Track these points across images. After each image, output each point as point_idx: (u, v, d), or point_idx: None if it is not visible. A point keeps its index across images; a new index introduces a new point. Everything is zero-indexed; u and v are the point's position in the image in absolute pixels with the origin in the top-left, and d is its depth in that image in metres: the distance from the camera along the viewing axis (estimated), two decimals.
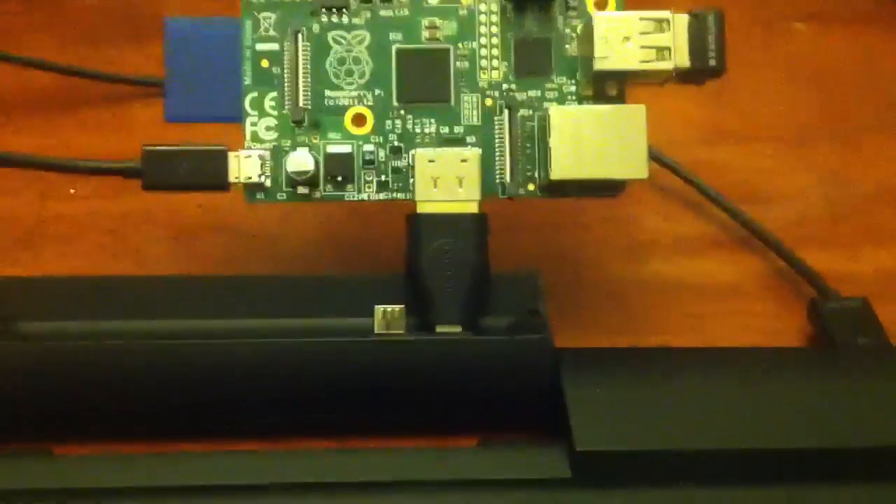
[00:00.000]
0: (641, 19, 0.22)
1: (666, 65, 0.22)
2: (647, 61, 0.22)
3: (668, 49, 0.22)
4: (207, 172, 0.22)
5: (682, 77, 0.22)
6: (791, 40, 0.35)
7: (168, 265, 0.26)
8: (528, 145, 0.23)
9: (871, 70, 0.35)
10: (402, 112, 0.23)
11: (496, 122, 0.23)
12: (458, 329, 0.22)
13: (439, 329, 0.22)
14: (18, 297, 0.22)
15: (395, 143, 0.23)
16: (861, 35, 0.36)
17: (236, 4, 0.35)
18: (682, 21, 0.22)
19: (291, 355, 0.22)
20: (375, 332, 0.22)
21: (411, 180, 0.22)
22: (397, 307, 0.22)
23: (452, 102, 0.23)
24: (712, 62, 0.22)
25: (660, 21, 0.22)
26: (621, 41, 0.22)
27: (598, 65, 0.22)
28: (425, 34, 0.23)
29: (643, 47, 0.22)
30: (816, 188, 0.30)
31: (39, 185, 0.28)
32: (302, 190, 0.22)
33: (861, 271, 0.28)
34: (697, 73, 0.22)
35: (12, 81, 0.31)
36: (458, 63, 0.23)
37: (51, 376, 0.21)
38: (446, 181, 0.22)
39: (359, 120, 0.23)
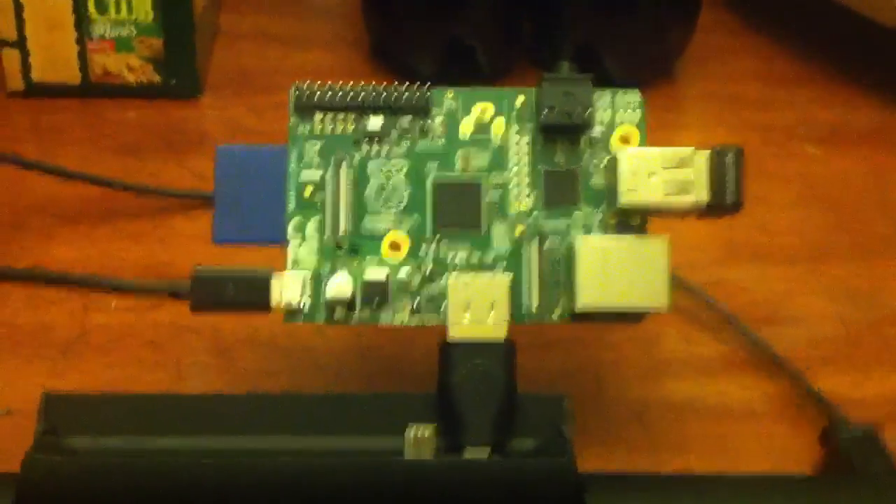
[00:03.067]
0: (665, 156, 0.23)
1: (688, 199, 0.23)
2: (670, 195, 0.23)
3: (691, 185, 0.23)
4: (252, 295, 0.23)
5: (702, 212, 0.23)
6: (804, 162, 0.37)
7: (205, 377, 0.27)
8: (555, 273, 0.24)
9: (883, 190, 0.36)
10: (437, 239, 0.24)
11: (525, 251, 0.24)
12: (486, 451, 0.23)
13: (469, 450, 0.23)
14: (65, 412, 0.23)
15: (429, 269, 0.24)
16: (871, 155, 0.37)
17: (269, 120, 0.36)
18: (703, 158, 0.23)
19: (324, 475, 0.22)
20: (406, 452, 0.23)
21: (443, 305, 0.23)
22: (428, 428, 0.23)
23: (484, 231, 0.24)
24: (731, 199, 0.23)
25: (683, 158, 0.23)
26: (646, 176, 0.23)
27: (624, 198, 0.23)
28: (459, 165, 0.24)
29: (666, 182, 0.23)
30: (831, 309, 0.31)
31: (82, 297, 0.29)
32: (339, 314, 0.23)
33: (874, 394, 0.29)
34: (716, 209, 0.23)
35: (58, 192, 0.32)
36: (489, 193, 0.24)
37: (98, 491, 0.22)
38: (477, 307, 0.23)
39: (395, 246, 0.24)
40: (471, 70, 0.38)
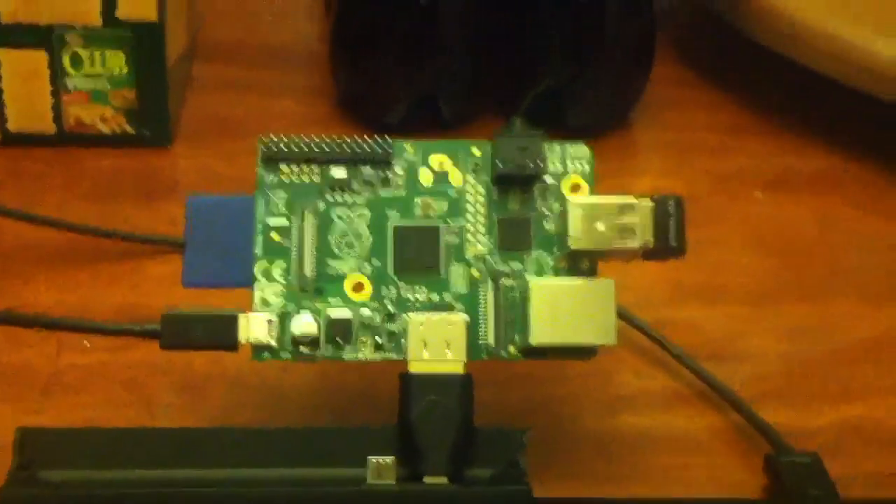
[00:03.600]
0: (610, 204, 0.25)
1: (632, 244, 0.25)
2: (616, 241, 0.25)
3: (635, 231, 0.25)
4: (220, 335, 0.24)
5: (647, 255, 0.25)
6: (753, 207, 0.39)
7: (176, 414, 0.28)
8: (509, 312, 0.25)
9: (827, 233, 0.38)
10: (397, 280, 0.25)
11: (481, 291, 0.25)
12: (444, 480, 0.24)
13: (427, 480, 0.24)
14: (40, 447, 0.24)
15: (390, 309, 0.25)
16: (816, 200, 0.39)
17: (240, 167, 0.38)
18: (646, 206, 0.25)
19: (289, 503, 0.24)
20: (368, 481, 0.24)
21: (404, 342, 0.25)
22: (389, 459, 0.24)
23: (442, 273, 0.25)
24: (673, 243, 0.25)
25: (626, 206, 0.25)
26: (593, 223, 0.25)
27: (573, 244, 0.25)
28: (419, 212, 0.26)
29: (612, 229, 0.25)
30: (776, 347, 0.32)
31: (56, 339, 0.30)
32: (304, 350, 0.25)
33: (817, 426, 0.30)
34: (661, 252, 0.25)
35: (31, 238, 0.33)
36: (447, 238, 0.26)
37: None
38: (435, 344, 0.25)
39: (358, 287, 0.25)
40: (435, 118, 0.39)
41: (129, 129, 0.37)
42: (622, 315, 0.31)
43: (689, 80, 0.45)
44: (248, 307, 0.25)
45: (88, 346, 0.30)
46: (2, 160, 0.37)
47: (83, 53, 0.35)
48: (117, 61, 0.36)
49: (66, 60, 0.36)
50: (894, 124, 0.41)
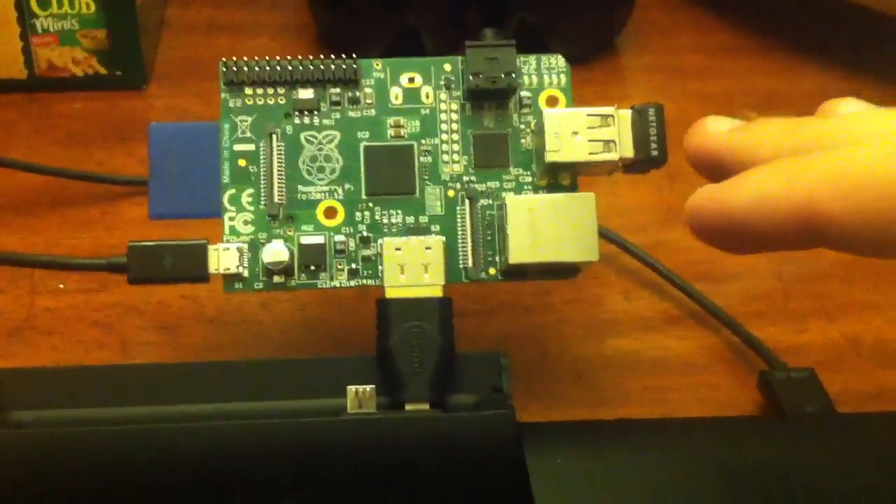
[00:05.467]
0: (588, 115, 0.24)
1: (612, 156, 0.24)
2: (595, 153, 0.24)
3: (614, 142, 0.24)
4: (189, 266, 0.23)
5: (628, 167, 0.24)
6: None
7: (152, 353, 0.28)
8: (488, 232, 0.25)
9: None
10: (371, 204, 0.24)
11: (458, 212, 0.25)
12: (426, 406, 0.23)
13: (408, 407, 0.23)
14: (11, 387, 0.23)
15: (365, 234, 0.24)
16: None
17: (217, 106, 0.37)
18: (625, 116, 0.24)
19: (269, 435, 0.23)
20: (348, 411, 0.23)
21: (380, 268, 0.24)
22: (368, 387, 0.23)
23: (417, 194, 0.25)
24: (654, 152, 0.24)
25: (605, 116, 0.24)
26: (571, 135, 0.24)
27: (550, 157, 0.24)
28: (391, 132, 0.25)
29: (591, 141, 0.24)
30: (767, 266, 0.32)
31: (29, 281, 0.29)
32: (278, 279, 0.24)
33: (810, 343, 0.29)
34: (642, 163, 0.24)
35: (5, 184, 0.33)
36: (421, 158, 0.25)
37: (46, 463, 0.22)
38: (412, 268, 0.24)
39: (330, 213, 0.24)
40: (417, 52, 0.38)
41: (101, 70, 0.36)
42: (611, 238, 0.30)
43: (677, 2, 0.43)
44: (218, 239, 0.24)
45: (62, 287, 0.29)
46: None
47: None
48: (84, 0, 0.35)
49: (32, 1, 0.34)
50: (886, 42, 0.40)
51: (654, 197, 0.33)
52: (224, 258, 0.24)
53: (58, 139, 0.35)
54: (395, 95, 0.25)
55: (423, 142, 0.25)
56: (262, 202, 0.24)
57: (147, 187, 0.31)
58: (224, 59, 0.25)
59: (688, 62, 0.40)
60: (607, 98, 0.38)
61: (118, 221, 0.32)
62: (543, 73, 0.25)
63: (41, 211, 0.32)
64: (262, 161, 0.24)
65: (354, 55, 0.25)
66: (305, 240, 0.24)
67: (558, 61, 0.25)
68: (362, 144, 0.25)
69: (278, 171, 0.24)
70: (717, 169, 0.21)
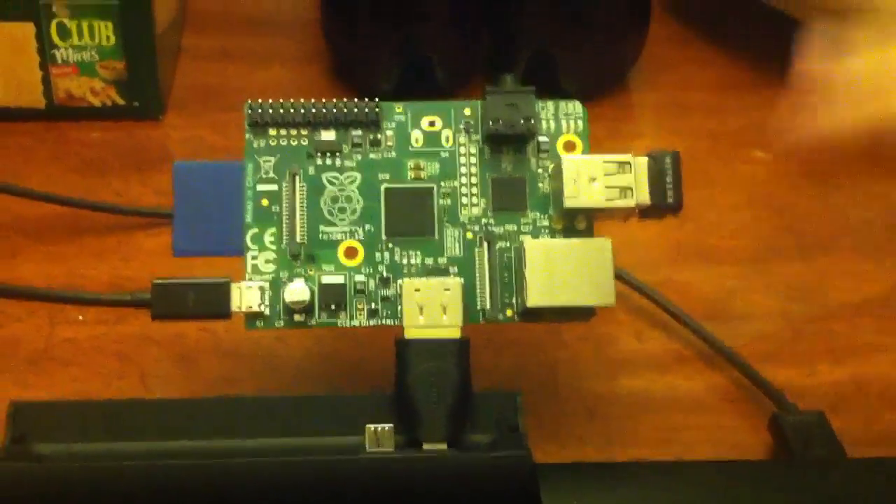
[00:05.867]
0: (605, 162, 0.24)
1: (628, 202, 0.24)
2: (612, 199, 0.24)
3: (630, 189, 0.24)
4: (212, 303, 0.24)
5: (644, 213, 0.25)
6: (752, 166, 0.38)
7: (170, 386, 0.28)
8: (505, 274, 0.25)
9: (826, 192, 0.37)
10: (390, 245, 0.25)
11: (476, 254, 0.25)
12: (443, 446, 0.24)
13: (426, 446, 0.24)
14: (32, 419, 0.24)
15: (384, 274, 0.25)
16: (819, 160, 0.38)
17: (233, 137, 0.37)
18: (641, 163, 0.24)
19: (287, 473, 0.23)
20: (366, 450, 0.24)
21: (399, 308, 0.24)
22: (387, 426, 0.24)
23: (436, 236, 0.25)
24: (670, 200, 0.24)
25: (622, 163, 0.24)
26: (588, 181, 0.24)
27: (568, 203, 0.24)
28: (410, 174, 0.25)
29: (608, 187, 0.24)
30: (776, 306, 0.32)
31: (48, 312, 0.29)
32: (298, 318, 0.24)
33: (818, 384, 0.30)
34: (657, 210, 0.24)
35: (22, 211, 0.33)
36: (440, 200, 0.25)
37: (65, 498, 0.22)
38: (431, 308, 0.24)
39: (350, 253, 0.25)
40: (429, 83, 0.39)
41: (119, 100, 0.36)
42: (621, 277, 0.31)
43: (685, 37, 0.44)
44: (237, 276, 0.24)
45: (81, 319, 0.29)
46: None
47: (70, 24, 0.35)
48: (105, 31, 0.35)
49: (53, 32, 0.35)
50: None
51: (665, 236, 0.34)
52: (246, 297, 0.24)
53: (74, 168, 0.35)
54: (416, 139, 0.25)
55: (443, 184, 0.25)
56: (284, 242, 0.25)
57: (168, 219, 0.31)
58: (249, 101, 0.25)
59: (698, 99, 0.41)
60: (619, 135, 0.38)
61: (136, 252, 0.32)
62: (561, 118, 0.26)
63: (60, 240, 0.32)
64: (284, 201, 0.25)
65: (376, 99, 0.25)
66: (327, 279, 0.24)
67: (576, 107, 0.26)
68: (383, 186, 0.25)
69: (300, 211, 0.25)
70: None
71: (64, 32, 0.35)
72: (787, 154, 0.38)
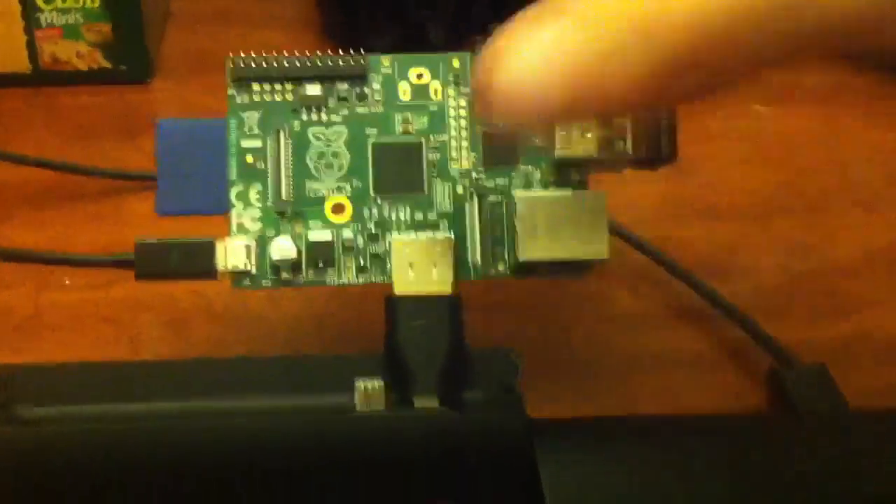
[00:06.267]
0: None
1: (621, 152, 0.24)
2: (604, 148, 0.24)
3: (623, 140, 0.23)
4: (196, 262, 0.23)
5: (637, 164, 0.24)
6: (752, 121, 0.37)
7: (161, 349, 0.27)
8: (497, 229, 0.24)
9: (832, 147, 0.36)
10: (379, 201, 0.24)
11: (467, 209, 0.24)
12: (435, 403, 0.23)
13: (417, 403, 0.23)
14: (17, 384, 0.23)
15: (373, 230, 0.24)
16: (821, 113, 0.38)
17: (223, 99, 0.37)
18: None
19: (277, 432, 0.23)
20: (357, 407, 0.23)
21: (388, 265, 0.24)
22: (378, 383, 0.23)
23: (426, 191, 0.24)
24: (664, 149, 0.24)
25: None
26: (580, 132, 0.24)
27: (558, 153, 0.24)
28: (399, 128, 0.25)
29: (600, 137, 0.24)
30: (777, 261, 0.31)
31: (35, 277, 0.29)
32: (286, 276, 0.24)
33: (820, 339, 0.29)
34: (651, 161, 0.24)
35: (11, 177, 0.33)
36: (430, 154, 0.25)
37: (53, 461, 0.22)
38: (421, 265, 0.24)
39: (338, 209, 0.24)
40: (424, 46, 0.38)
41: (105, 64, 0.36)
42: (619, 233, 0.30)
43: None
44: (226, 235, 0.24)
45: (68, 283, 0.29)
46: None
47: None
48: None
49: None
50: None
51: (664, 191, 0.33)
52: (231, 255, 0.24)
53: (64, 132, 0.35)
54: (404, 91, 0.25)
55: (432, 138, 0.25)
56: (270, 199, 0.24)
57: (154, 184, 0.31)
58: (231, 55, 0.25)
59: None
60: None
61: (124, 216, 0.32)
62: None
63: (50, 205, 0.32)
64: (269, 157, 0.24)
65: (362, 50, 0.25)
66: (314, 236, 0.24)
67: None
68: (370, 141, 0.25)
69: (286, 167, 0.24)
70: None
71: None
72: (789, 108, 0.38)
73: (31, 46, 0.35)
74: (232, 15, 0.41)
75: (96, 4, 0.35)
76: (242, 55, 0.25)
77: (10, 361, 0.26)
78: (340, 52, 0.25)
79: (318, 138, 0.25)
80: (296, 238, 0.24)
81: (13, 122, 0.35)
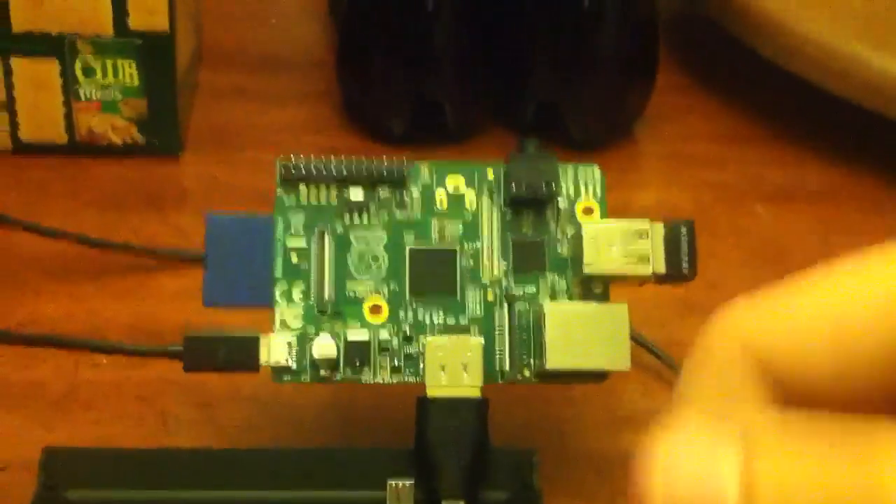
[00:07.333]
0: (623, 229, 0.25)
1: (645, 269, 0.25)
2: (630, 266, 0.25)
3: (648, 257, 0.25)
4: (241, 357, 0.25)
5: (659, 279, 0.25)
6: (753, 221, 0.39)
7: (192, 431, 0.28)
8: (524, 335, 0.26)
9: (828, 248, 0.38)
10: (414, 304, 0.26)
11: (496, 315, 0.26)
12: (461, 503, 0.24)
13: (445, 503, 0.24)
14: (64, 466, 0.24)
15: (408, 332, 0.25)
16: (817, 215, 0.39)
17: (246, 174, 0.38)
18: (658, 231, 0.25)
19: None
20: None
21: (421, 366, 0.25)
22: (407, 482, 0.24)
23: (458, 296, 0.26)
24: (685, 270, 0.25)
25: (640, 230, 0.25)
26: (607, 247, 0.25)
27: (587, 269, 0.25)
28: (435, 235, 0.26)
29: (626, 255, 0.25)
30: None
31: (72, 355, 0.30)
32: (324, 373, 0.25)
33: None
34: (672, 278, 0.25)
35: (42, 249, 0.33)
36: (463, 261, 0.26)
37: None
38: (453, 367, 0.25)
39: (375, 310, 0.26)
40: (439, 126, 0.40)
41: (139, 138, 0.37)
42: (633, 338, 0.32)
43: (691, 88, 0.45)
44: (261, 326, 0.25)
45: (105, 362, 0.30)
46: (11, 169, 0.37)
47: (94, 63, 0.36)
48: (128, 71, 0.36)
49: (77, 69, 0.36)
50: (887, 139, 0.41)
51: (670, 292, 0.34)
52: (275, 351, 0.25)
53: (93, 203, 0.36)
54: (440, 200, 0.26)
55: (466, 246, 0.26)
56: (313, 297, 0.25)
57: (186, 262, 0.32)
58: (281, 158, 0.26)
59: (701, 151, 0.42)
60: (625, 185, 0.39)
61: (152, 292, 0.33)
62: (580, 183, 0.27)
63: (81, 279, 0.33)
64: (313, 257, 0.26)
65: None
66: (353, 336, 0.25)
67: (594, 172, 0.27)
68: (408, 247, 0.26)
69: (328, 267, 0.25)
70: None
71: (88, 71, 0.36)
72: (788, 208, 0.39)
73: (69, 118, 0.36)
74: (252, 89, 0.43)
75: (135, 81, 0.36)
76: (291, 157, 0.26)
77: (46, 437, 0.27)
78: (382, 157, 0.26)
79: (359, 241, 0.26)
80: (334, 336, 0.25)
81: (43, 192, 0.36)
